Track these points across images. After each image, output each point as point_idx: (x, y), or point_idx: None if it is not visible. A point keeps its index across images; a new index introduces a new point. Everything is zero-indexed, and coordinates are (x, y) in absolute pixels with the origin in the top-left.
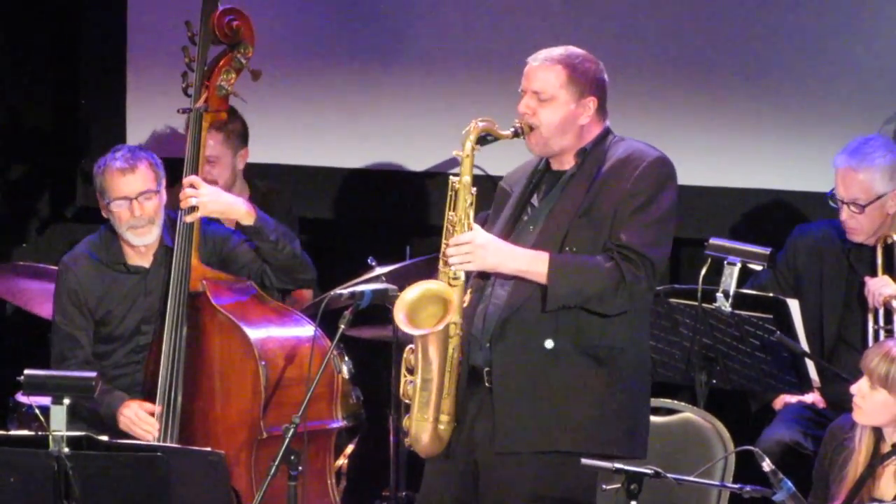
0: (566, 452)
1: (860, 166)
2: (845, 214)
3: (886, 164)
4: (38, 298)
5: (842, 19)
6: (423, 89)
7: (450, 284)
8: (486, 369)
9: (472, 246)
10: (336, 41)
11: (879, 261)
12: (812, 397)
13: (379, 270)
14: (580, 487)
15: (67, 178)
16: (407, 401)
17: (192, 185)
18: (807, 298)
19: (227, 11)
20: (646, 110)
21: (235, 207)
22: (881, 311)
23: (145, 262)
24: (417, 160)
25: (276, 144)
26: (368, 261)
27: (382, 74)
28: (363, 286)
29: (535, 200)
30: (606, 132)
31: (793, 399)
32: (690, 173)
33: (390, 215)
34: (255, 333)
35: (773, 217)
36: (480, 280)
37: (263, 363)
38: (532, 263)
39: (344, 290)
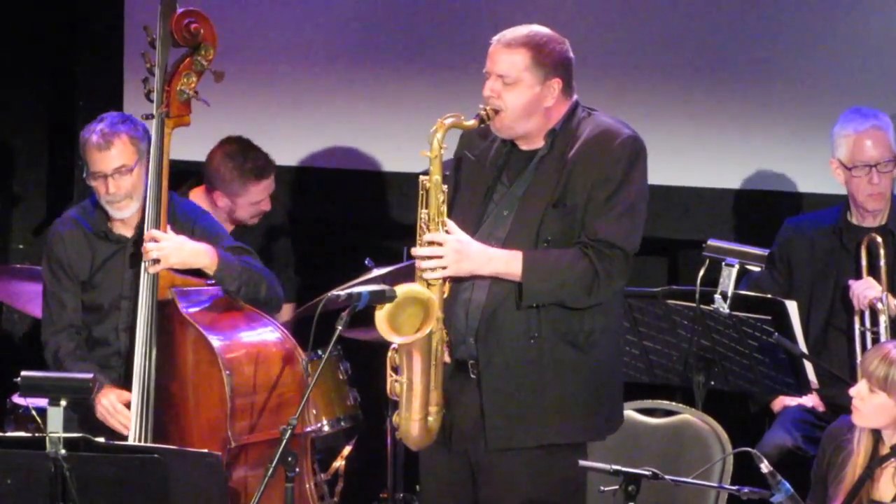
0: (557, 445)
1: (880, 123)
2: (876, 178)
3: (890, 121)
4: (35, 300)
5: (839, 22)
6: (422, 89)
7: (428, 284)
8: (472, 363)
9: (447, 250)
10: (333, 42)
11: (864, 262)
12: (812, 401)
13: (376, 272)
14: (573, 476)
15: (64, 179)
16: (395, 398)
17: (153, 239)
18: (798, 282)
19: (185, 14)
20: (643, 112)
21: (198, 258)
22: (867, 314)
23: (128, 231)
24: (415, 161)
25: (272, 146)
26: (366, 262)
27: (379, 75)
28: (360, 287)
29: (505, 180)
30: (574, 108)
31: (792, 402)
32: (689, 175)
33: (387, 216)
34: (219, 342)
35: (772, 218)
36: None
37: (227, 373)
38: (507, 265)
39: (341, 292)
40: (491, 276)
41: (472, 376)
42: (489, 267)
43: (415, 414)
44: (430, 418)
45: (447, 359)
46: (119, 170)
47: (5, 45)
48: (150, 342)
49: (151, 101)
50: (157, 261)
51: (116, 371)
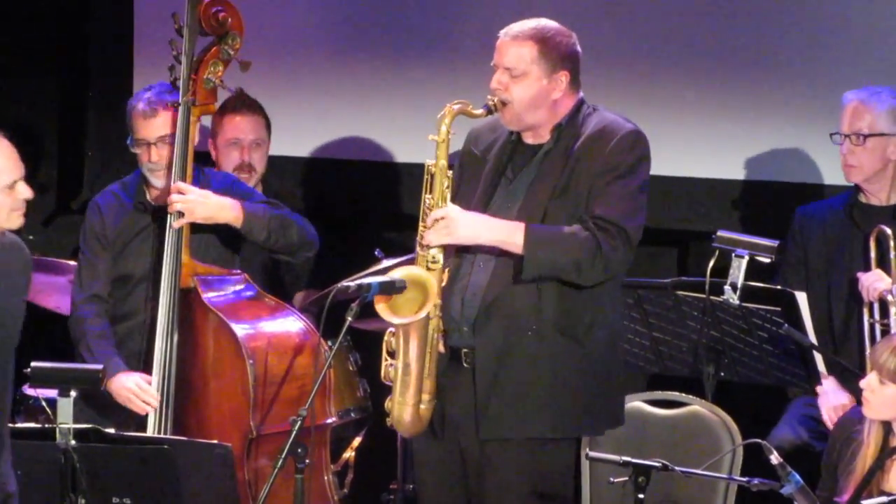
0: (551, 438)
1: (868, 101)
2: (846, 149)
3: (894, 106)
4: (46, 291)
5: (851, 8)
6: (432, 80)
7: (428, 268)
8: (465, 351)
9: (448, 220)
10: (342, 33)
11: (872, 254)
12: (847, 398)
13: (386, 262)
14: (561, 468)
15: (74, 170)
16: (388, 383)
17: (178, 191)
18: (814, 265)
19: (213, 2)
20: (652, 102)
21: (224, 212)
22: (876, 306)
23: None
24: (425, 152)
25: (282, 136)
26: (375, 253)
27: (390, 66)
28: (370, 278)
29: (509, 174)
30: (580, 104)
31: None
32: (699, 165)
33: (398, 207)
34: (243, 331)
35: (782, 209)
36: (458, 260)
37: (251, 362)
38: (509, 234)
39: (351, 283)
40: (492, 247)
41: (466, 365)
42: (490, 234)
43: (408, 399)
44: (422, 406)
45: (442, 348)
46: (163, 139)
47: (16, 39)
48: (171, 329)
49: (177, 89)
50: (182, 213)
51: (138, 344)
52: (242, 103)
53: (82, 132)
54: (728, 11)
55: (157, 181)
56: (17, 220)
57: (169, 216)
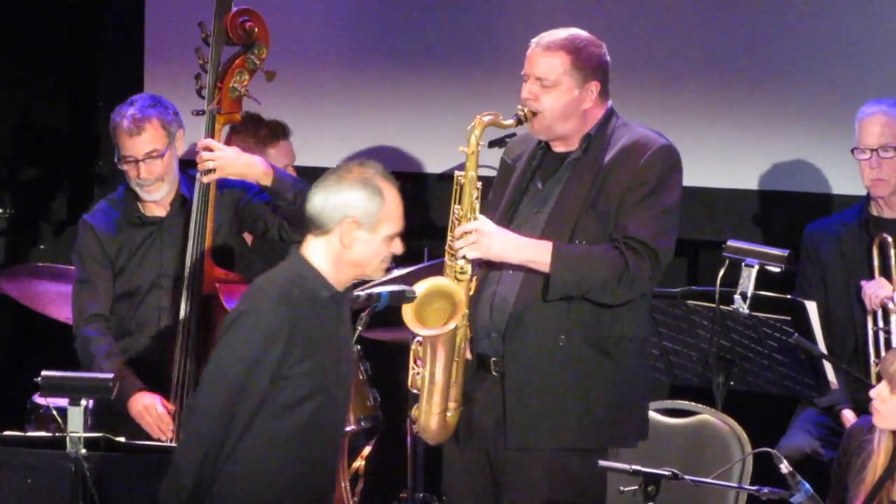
0: (579, 449)
1: (891, 111)
2: (875, 163)
3: None
4: (56, 301)
5: (862, 19)
6: (442, 91)
7: (456, 279)
8: (494, 359)
9: (478, 234)
10: (354, 42)
11: (875, 262)
12: None
13: (397, 272)
14: (592, 481)
15: (84, 179)
16: (415, 391)
17: (207, 148)
18: (832, 282)
19: (240, 12)
20: (663, 112)
21: (253, 168)
22: (880, 313)
23: (161, 212)
24: (435, 162)
25: (305, 147)
26: None
27: (401, 76)
28: (380, 288)
29: (537, 181)
30: (609, 114)
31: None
32: (709, 175)
33: (408, 217)
34: None
35: (792, 219)
36: (486, 268)
37: None
38: (537, 254)
39: (361, 292)
40: (520, 265)
41: (494, 373)
42: (519, 254)
43: (434, 407)
44: (448, 413)
45: (469, 355)
46: (150, 154)
47: (27, 48)
48: (193, 292)
49: (202, 98)
50: (212, 170)
51: (153, 353)
52: (280, 128)
53: (92, 141)
54: (740, 24)
55: (148, 195)
56: (381, 272)
57: (198, 173)
